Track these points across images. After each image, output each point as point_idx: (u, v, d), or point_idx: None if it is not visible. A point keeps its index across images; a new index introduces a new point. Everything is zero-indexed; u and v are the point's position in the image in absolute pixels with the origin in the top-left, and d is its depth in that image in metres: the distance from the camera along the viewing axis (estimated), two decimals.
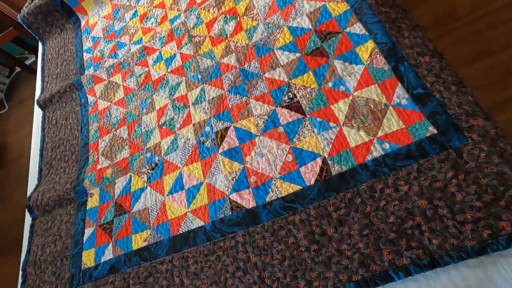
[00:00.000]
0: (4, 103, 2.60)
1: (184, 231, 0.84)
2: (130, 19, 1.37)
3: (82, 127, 1.20)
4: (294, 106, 0.86)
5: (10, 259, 1.70)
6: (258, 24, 1.04)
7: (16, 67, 2.66)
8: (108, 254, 0.90)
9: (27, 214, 1.15)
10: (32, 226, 1.10)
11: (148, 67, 1.19)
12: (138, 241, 0.89)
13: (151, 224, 0.89)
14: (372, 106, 0.77)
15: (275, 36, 0.99)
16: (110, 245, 0.92)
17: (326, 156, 0.77)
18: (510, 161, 0.61)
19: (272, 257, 0.72)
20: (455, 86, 0.71)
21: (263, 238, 0.75)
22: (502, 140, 0.63)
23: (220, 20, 1.12)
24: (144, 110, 1.11)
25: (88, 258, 0.93)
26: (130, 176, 1.01)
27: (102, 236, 0.94)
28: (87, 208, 1.02)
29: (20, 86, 2.64)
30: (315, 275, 0.67)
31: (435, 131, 0.69)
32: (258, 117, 0.89)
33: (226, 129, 0.92)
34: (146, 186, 0.96)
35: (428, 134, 0.69)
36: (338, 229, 0.69)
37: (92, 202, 1.02)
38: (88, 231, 0.97)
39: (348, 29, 0.88)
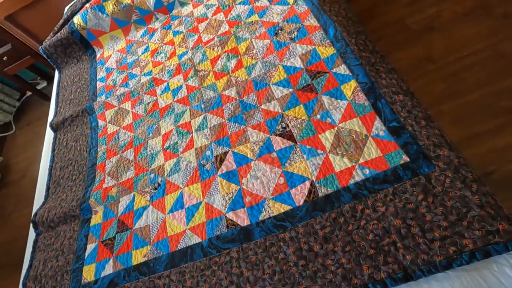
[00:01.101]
0: (12, 125, 2.71)
1: (182, 247, 0.90)
2: (142, 53, 1.52)
3: (91, 149, 1.29)
4: (286, 134, 0.97)
5: (9, 277, 1.70)
6: (256, 62, 1.18)
7: (28, 92, 2.80)
8: (108, 269, 0.95)
9: (30, 230, 1.20)
10: (35, 241, 1.15)
11: (156, 96, 1.31)
12: (138, 256, 0.94)
13: (151, 240, 0.95)
14: (354, 136, 0.88)
15: (271, 73, 1.12)
16: (111, 260, 0.97)
17: (314, 180, 0.86)
18: (471, 186, 0.70)
19: (263, 272, 0.78)
20: (425, 121, 0.82)
21: (255, 254, 0.81)
22: (464, 168, 0.73)
23: (223, 57, 1.26)
24: (151, 134, 1.21)
25: (88, 273, 0.97)
26: (134, 195, 1.08)
27: (104, 251, 1.00)
28: (91, 225, 1.08)
29: (29, 110, 2.77)
30: None
31: (408, 159, 0.79)
32: (254, 143, 0.99)
33: (225, 153, 1.02)
34: (149, 205, 1.03)
35: (402, 162, 0.79)
36: (323, 245, 0.76)
37: (96, 219, 1.09)
38: (90, 247, 1.03)
39: (334, 70, 1.02)
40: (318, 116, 0.96)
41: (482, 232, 0.64)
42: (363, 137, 0.87)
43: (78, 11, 1.63)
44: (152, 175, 1.10)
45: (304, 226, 0.80)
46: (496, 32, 1.42)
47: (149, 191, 1.06)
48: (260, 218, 0.86)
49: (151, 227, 0.98)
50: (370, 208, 0.76)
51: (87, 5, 1.58)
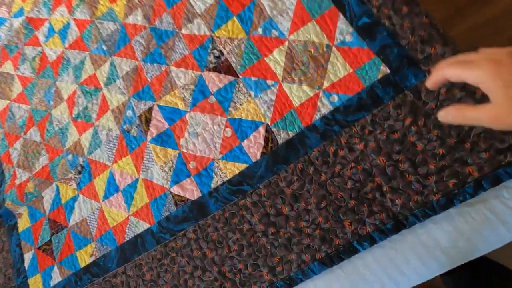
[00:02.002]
0: None
1: (130, 237, 0.74)
2: None
3: None
4: (222, 66, 0.70)
5: None
6: None
7: None
8: (56, 277, 0.80)
9: None
10: None
11: (41, 45, 0.94)
12: (84, 257, 0.78)
13: (94, 236, 0.78)
14: (312, 50, 0.62)
15: None
16: (55, 267, 0.81)
17: (269, 123, 0.64)
18: (474, 91, 0.51)
19: (229, 249, 0.64)
20: (407, 6, 0.56)
21: (216, 230, 0.66)
22: None
23: None
24: (51, 102, 0.90)
25: (36, 286, 0.82)
26: (57, 186, 0.85)
27: (44, 259, 0.83)
28: (20, 231, 0.88)
29: None
30: (277, 260, 0.60)
31: (388, 70, 0.56)
32: (183, 88, 0.73)
33: (150, 109, 0.75)
34: (78, 194, 0.82)
35: (380, 76, 0.57)
36: (293, 206, 0.60)
37: (23, 223, 0.88)
38: (27, 256, 0.85)
39: None
40: (260, 30, 0.67)
41: (490, 153, 0.48)
42: (324, 50, 0.61)
43: None
44: (70, 157, 0.84)
45: (267, 186, 0.62)
46: None
47: (73, 177, 0.83)
48: (213, 186, 0.67)
49: (88, 221, 0.79)
50: (344, 148, 0.58)
51: None
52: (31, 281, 0.83)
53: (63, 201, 0.83)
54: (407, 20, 0.56)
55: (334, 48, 0.61)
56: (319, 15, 0.62)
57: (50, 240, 0.83)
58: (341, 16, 0.61)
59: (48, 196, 0.86)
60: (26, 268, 0.84)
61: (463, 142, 0.50)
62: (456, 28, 0.91)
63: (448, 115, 0.33)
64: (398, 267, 0.54)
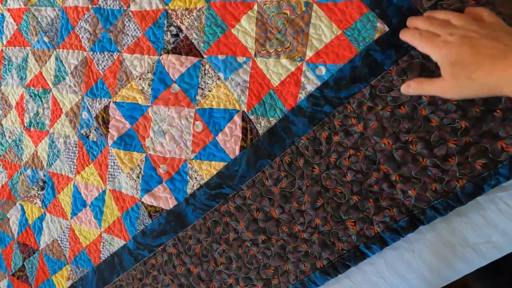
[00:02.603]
0: None
1: (106, 256, 0.65)
2: None
3: None
4: (182, 46, 0.57)
5: None
6: None
7: None
8: None
9: None
10: None
11: None
12: (61, 281, 0.70)
13: (68, 258, 0.69)
14: (288, 12, 0.49)
15: None
16: None
17: (246, 110, 0.52)
18: None
19: (215, 263, 0.55)
20: None
21: (198, 242, 0.56)
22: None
23: None
24: (0, 111, 0.78)
25: None
26: (21, 206, 0.75)
27: (20, 286, 0.75)
28: None
29: None
30: (272, 271, 0.51)
31: (386, 28, 0.44)
32: (140, 78, 0.60)
33: (106, 108, 0.63)
34: (44, 213, 0.72)
35: (377, 36, 0.44)
36: (284, 207, 0.50)
37: None
38: (3, 284, 0.77)
39: None
40: None
41: None
42: (303, 9, 0.48)
43: None
44: (29, 171, 0.74)
45: (251, 186, 0.52)
46: None
47: (36, 194, 0.73)
48: (189, 192, 0.57)
49: (60, 241, 0.70)
50: (339, 132, 0.46)
51: None
52: None
53: (30, 222, 0.74)
54: None
55: (315, 6, 0.48)
56: None
57: (23, 266, 0.74)
58: None
59: (14, 217, 0.76)
60: None
61: (492, 110, 0.39)
62: None
63: (409, 88, 0.38)
64: (417, 272, 0.44)
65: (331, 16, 0.47)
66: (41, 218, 0.72)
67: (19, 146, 0.75)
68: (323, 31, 0.47)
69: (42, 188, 0.72)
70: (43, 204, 0.72)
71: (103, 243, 0.65)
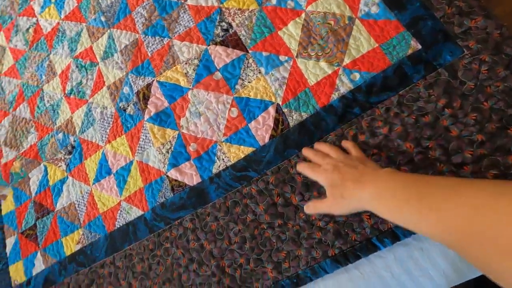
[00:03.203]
0: None
1: (121, 224, 0.67)
2: None
3: None
4: (231, 40, 0.63)
5: None
6: None
7: None
8: (39, 265, 0.73)
9: None
10: None
11: (36, 16, 0.87)
12: (71, 244, 0.71)
13: (82, 222, 0.71)
14: (332, 23, 0.56)
15: None
16: (39, 254, 0.74)
17: (280, 103, 0.57)
18: None
19: (229, 241, 0.57)
20: None
21: (215, 220, 0.59)
22: (510, 44, 0.45)
23: None
24: (43, 77, 0.83)
25: (17, 273, 0.76)
26: (45, 167, 0.78)
27: (28, 244, 0.76)
28: (3, 214, 0.81)
29: None
30: (284, 255, 0.53)
31: (419, 46, 0.50)
32: (186, 63, 0.66)
33: (149, 86, 0.69)
34: (67, 176, 0.75)
35: (409, 52, 0.50)
36: (304, 195, 0.53)
37: (7, 205, 0.81)
38: (9, 241, 0.79)
39: None
40: (274, 1, 0.61)
41: None
42: (346, 22, 0.55)
43: None
44: (60, 135, 0.78)
45: (275, 172, 0.56)
46: None
47: (62, 158, 0.77)
48: (214, 171, 0.60)
49: (77, 205, 0.73)
50: (366, 132, 0.51)
51: None
52: (12, 268, 0.77)
53: (50, 183, 0.77)
54: None
55: (357, 21, 0.54)
56: None
57: (34, 225, 0.76)
58: None
59: (35, 177, 0.79)
60: (8, 254, 0.78)
61: (506, 127, 0.44)
62: (501, 7, 0.84)
63: (309, 208, 0.48)
64: (424, 270, 0.47)
65: (370, 31, 0.53)
66: (63, 181, 0.75)
67: (56, 111, 0.80)
68: (361, 42, 0.53)
69: (70, 153, 0.76)
70: (67, 168, 0.76)
71: (121, 211, 0.68)
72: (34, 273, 0.74)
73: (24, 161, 0.80)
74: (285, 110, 0.57)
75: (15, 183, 0.81)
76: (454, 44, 0.48)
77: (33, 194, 0.78)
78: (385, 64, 0.51)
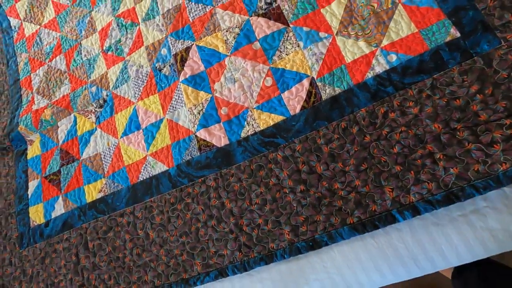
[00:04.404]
0: None
1: (144, 178, 0.70)
2: None
3: (9, 60, 0.95)
4: (273, 13, 0.66)
5: None
6: None
7: None
8: (59, 209, 0.76)
9: None
10: None
11: None
12: (92, 192, 0.74)
13: (106, 172, 0.74)
14: (375, 5, 0.58)
15: None
16: (60, 198, 0.77)
17: (315, 77, 0.60)
18: None
19: (250, 202, 0.60)
20: None
21: (239, 181, 0.62)
22: None
23: None
24: (83, 32, 0.86)
25: (36, 215, 0.79)
26: (75, 117, 0.81)
27: (50, 188, 0.79)
28: (28, 158, 0.84)
29: None
30: (302, 219, 0.56)
31: (458, 34, 0.52)
32: (227, 31, 0.69)
33: (187, 49, 0.71)
34: (95, 128, 0.78)
35: (448, 39, 0.52)
36: (329, 165, 0.56)
37: (33, 150, 0.84)
38: (32, 184, 0.82)
39: None
40: None
41: None
42: (389, 6, 0.57)
43: None
44: (94, 89, 0.81)
45: (303, 141, 0.58)
46: None
47: (93, 110, 0.80)
48: (242, 135, 0.63)
49: (102, 156, 0.76)
50: (396, 111, 0.53)
51: None
52: (32, 209, 0.79)
53: (79, 133, 0.80)
54: None
55: (400, 6, 0.57)
56: None
57: (58, 171, 0.79)
58: None
59: (64, 126, 0.82)
60: (29, 196, 0.81)
61: None
62: None
63: None
64: (437, 245, 0.49)
65: (412, 16, 0.55)
66: (91, 132, 0.78)
67: (92, 65, 0.83)
68: (402, 26, 0.56)
69: (101, 106, 0.79)
70: (97, 120, 0.78)
71: (146, 165, 0.70)
72: (53, 216, 0.77)
73: (55, 110, 0.83)
74: (319, 83, 0.59)
75: (43, 129, 0.84)
76: (492, 35, 0.50)
77: (60, 142, 0.81)
78: (423, 49, 0.54)
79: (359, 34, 0.58)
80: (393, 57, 0.55)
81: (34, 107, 0.86)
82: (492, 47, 0.50)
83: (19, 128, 0.85)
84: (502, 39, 0.49)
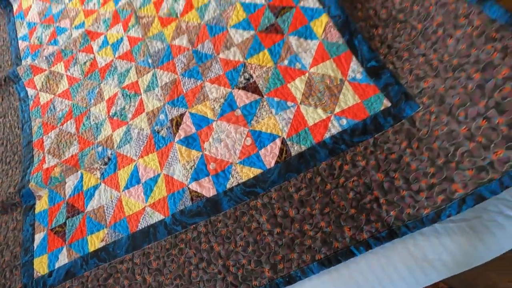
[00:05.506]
0: None
1: (143, 226, 0.80)
2: (70, 1, 1.23)
3: (24, 124, 1.09)
4: (250, 87, 0.82)
5: None
6: (209, 2, 0.97)
7: None
8: (63, 259, 0.84)
9: None
10: None
11: (93, 53, 1.08)
12: (95, 241, 0.83)
13: (108, 223, 0.84)
14: (328, 82, 0.75)
15: (227, 13, 0.93)
16: (64, 249, 0.85)
17: (285, 137, 0.74)
18: (458, 115, 0.59)
19: (235, 245, 0.70)
20: (407, 52, 0.70)
21: (225, 226, 0.72)
22: (451, 93, 0.61)
23: None
24: (92, 100, 1.02)
25: (40, 266, 0.85)
26: (82, 174, 0.93)
27: (55, 240, 0.87)
28: (36, 212, 0.93)
29: None
30: (279, 258, 0.66)
31: (389, 104, 0.68)
32: (214, 101, 0.84)
33: (182, 115, 0.86)
34: (100, 183, 0.89)
35: (382, 107, 0.68)
36: (300, 210, 0.68)
37: (41, 205, 0.94)
38: (38, 237, 0.89)
39: (301, 3, 0.85)
40: (286, 62, 0.81)
41: (473, 171, 0.55)
42: (338, 83, 0.74)
43: None
44: (100, 149, 0.93)
45: (277, 190, 0.71)
46: None
47: (98, 167, 0.91)
48: (228, 186, 0.75)
49: (105, 208, 0.85)
50: (349, 164, 0.67)
51: None
52: (36, 260, 0.86)
53: (84, 188, 0.90)
54: (407, 62, 0.69)
55: (346, 82, 0.74)
56: (336, 56, 0.76)
57: (64, 223, 0.88)
58: (354, 59, 0.75)
59: (71, 182, 0.93)
60: (35, 248, 0.88)
61: (450, 162, 0.59)
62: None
63: None
64: (388, 275, 0.59)
65: (355, 90, 0.72)
66: (96, 187, 0.89)
67: (99, 128, 0.96)
68: (349, 98, 0.72)
69: (106, 164, 0.91)
70: (101, 176, 0.90)
71: (144, 215, 0.80)
72: (56, 266, 0.84)
73: (64, 168, 0.94)
74: (288, 142, 0.74)
75: (52, 185, 0.94)
76: (413, 101, 0.66)
77: (67, 196, 0.91)
78: (365, 115, 0.69)
79: (317, 103, 0.75)
80: (344, 121, 0.71)
81: (45, 166, 0.97)
82: (413, 111, 0.65)
83: (29, 185, 0.95)
84: (420, 103, 0.65)
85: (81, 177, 0.92)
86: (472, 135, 0.56)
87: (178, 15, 1.00)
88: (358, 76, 0.73)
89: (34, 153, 1.02)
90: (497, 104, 0.53)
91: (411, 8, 0.71)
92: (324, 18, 0.80)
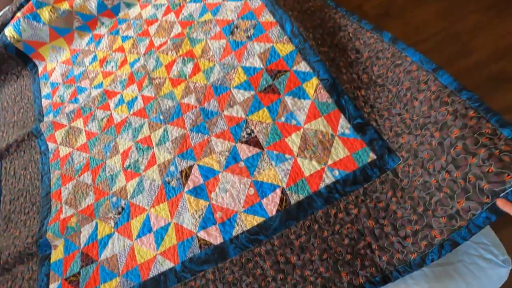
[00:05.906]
0: None
1: (154, 274, 0.84)
2: (90, 64, 1.39)
3: (43, 176, 1.17)
4: (252, 141, 0.92)
5: None
6: (214, 65, 1.11)
7: None
8: None
9: None
10: None
11: (110, 110, 1.21)
12: None
13: (120, 271, 0.88)
14: (320, 137, 0.85)
15: (230, 75, 1.06)
16: None
17: (285, 187, 0.83)
18: (428, 168, 0.66)
19: None
20: (387, 112, 0.81)
21: (232, 273, 0.77)
22: (421, 149, 0.69)
23: (178, 62, 1.18)
24: (108, 154, 1.12)
25: None
26: (96, 223, 0.99)
27: None
28: (51, 262, 0.98)
29: None
30: None
31: (375, 157, 0.77)
32: (219, 154, 0.94)
33: (190, 167, 0.95)
34: (114, 232, 0.96)
35: (369, 160, 0.78)
36: (300, 256, 0.73)
37: (57, 254, 0.99)
38: (53, 287, 0.94)
39: (295, 67, 0.98)
40: (283, 119, 0.92)
41: (446, 219, 0.61)
42: (330, 137, 0.84)
43: (9, 21, 1.45)
44: (114, 199, 1.01)
45: (279, 237, 0.77)
46: (450, 14, 1.45)
47: (112, 217, 0.98)
48: (234, 234, 0.82)
49: (118, 257, 0.91)
50: (343, 212, 0.74)
51: (19, 14, 1.41)
52: None
53: (99, 237, 0.96)
54: (387, 121, 0.79)
55: (336, 137, 0.84)
56: (326, 113, 0.87)
57: (78, 272, 0.93)
58: (342, 116, 0.85)
59: (86, 231, 0.99)
60: None
61: (428, 209, 0.66)
62: None
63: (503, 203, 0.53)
64: None
65: (345, 144, 0.82)
66: (110, 236, 0.95)
67: (113, 180, 1.05)
68: (339, 151, 0.82)
69: (119, 213, 0.98)
70: (115, 225, 0.96)
71: (155, 263, 0.86)
72: None
73: (80, 218, 1.01)
74: (288, 192, 0.82)
75: (68, 235, 1.00)
76: (394, 155, 0.75)
77: (82, 246, 0.97)
78: (355, 167, 0.78)
79: (312, 156, 0.84)
80: (336, 172, 0.80)
81: (62, 216, 1.04)
82: (395, 163, 0.74)
83: (47, 235, 1.01)
84: (400, 156, 0.74)
85: (96, 226, 0.99)
86: (440, 186, 0.63)
87: (187, 77, 1.13)
88: (347, 131, 0.83)
89: (51, 203, 1.10)
90: (453, 159, 0.61)
91: (387, 74, 0.83)
92: (315, 81, 0.93)
